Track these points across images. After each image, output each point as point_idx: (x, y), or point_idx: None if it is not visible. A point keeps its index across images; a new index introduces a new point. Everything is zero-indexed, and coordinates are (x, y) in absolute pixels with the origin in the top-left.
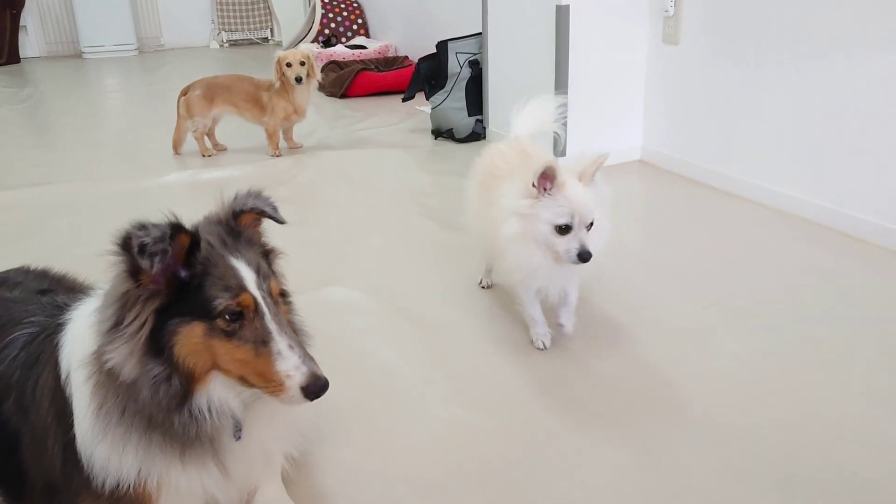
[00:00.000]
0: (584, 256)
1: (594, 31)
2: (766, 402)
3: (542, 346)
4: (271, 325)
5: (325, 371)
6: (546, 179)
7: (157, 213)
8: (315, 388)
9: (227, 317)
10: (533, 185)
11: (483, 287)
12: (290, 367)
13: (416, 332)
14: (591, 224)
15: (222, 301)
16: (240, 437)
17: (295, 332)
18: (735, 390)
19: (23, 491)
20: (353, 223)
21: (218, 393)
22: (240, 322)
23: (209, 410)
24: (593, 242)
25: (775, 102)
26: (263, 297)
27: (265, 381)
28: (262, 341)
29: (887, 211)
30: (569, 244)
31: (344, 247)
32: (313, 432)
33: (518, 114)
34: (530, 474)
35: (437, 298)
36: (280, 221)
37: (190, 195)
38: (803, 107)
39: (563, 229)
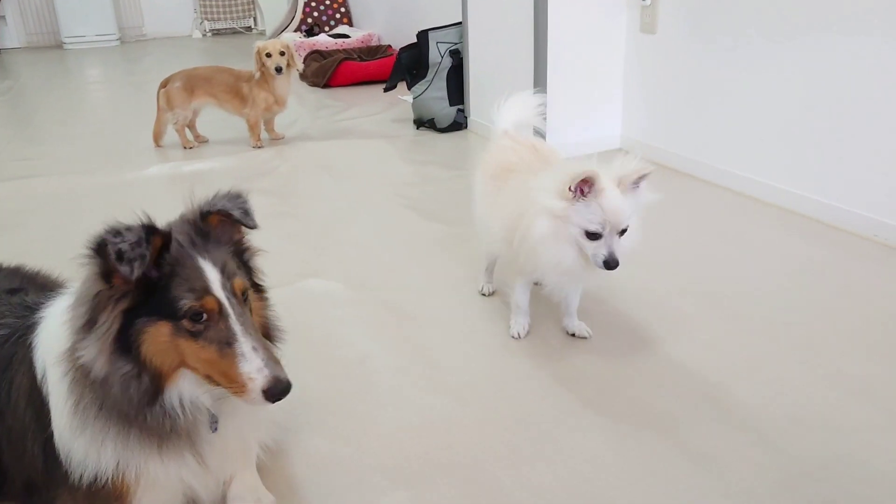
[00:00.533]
0: (609, 264)
1: (572, 21)
2: (735, 389)
3: (517, 336)
4: (236, 326)
5: (302, 361)
6: (584, 185)
7: (131, 213)
8: (276, 391)
9: (191, 318)
10: (569, 190)
11: (484, 295)
12: (252, 369)
13: (395, 322)
14: (625, 230)
15: (186, 302)
16: (216, 429)
17: (267, 332)
18: (707, 378)
19: (2, 489)
20: (335, 214)
21: (188, 389)
22: (205, 323)
23: (181, 406)
24: (622, 248)
25: (754, 91)
26: (228, 298)
27: (229, 381)
28: (227, 342)
29: (866, 200)
30: (597, 249)
31: (325, 238)
32: (289, 421)
33: (499, 110)
34: (505, 463)
35: (416, 289)
36: (249, 226)
37: (171, 188)
38: (782, 95)
39: (593, 235)
